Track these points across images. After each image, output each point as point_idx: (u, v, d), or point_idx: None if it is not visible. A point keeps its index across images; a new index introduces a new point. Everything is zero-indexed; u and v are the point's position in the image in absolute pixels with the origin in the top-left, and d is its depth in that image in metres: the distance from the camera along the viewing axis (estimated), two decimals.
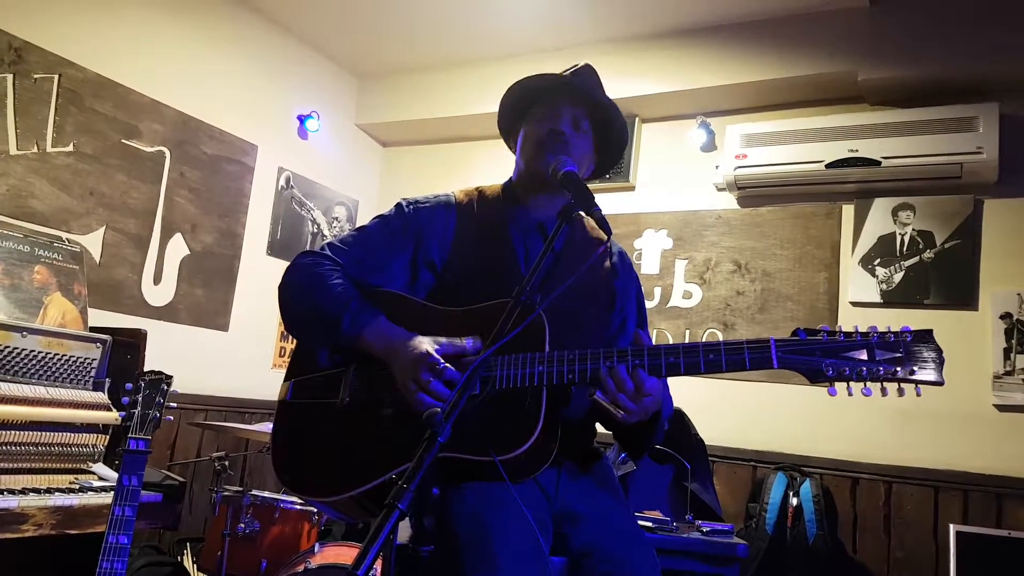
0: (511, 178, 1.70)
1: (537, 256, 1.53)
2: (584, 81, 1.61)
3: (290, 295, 1.56)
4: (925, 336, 1.22)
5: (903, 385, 1.21)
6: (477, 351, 1.38)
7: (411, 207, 1.63)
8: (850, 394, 1.22)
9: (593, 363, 1.32)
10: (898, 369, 1.20)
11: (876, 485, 3.09)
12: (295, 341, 1.65)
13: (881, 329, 1.24)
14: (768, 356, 1.25)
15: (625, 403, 1.32)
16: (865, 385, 1.21)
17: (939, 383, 1.20)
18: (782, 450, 3.24)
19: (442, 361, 1.34)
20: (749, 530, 3.06)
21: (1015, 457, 2.90)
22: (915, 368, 1.20)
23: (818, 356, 1.24)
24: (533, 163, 1.58)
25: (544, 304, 1.30)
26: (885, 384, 1.21)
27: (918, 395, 1.20)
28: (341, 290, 1.49)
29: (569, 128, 1.57)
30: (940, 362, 1.20)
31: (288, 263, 1.61)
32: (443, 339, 1.39)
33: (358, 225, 1.73)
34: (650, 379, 1.31)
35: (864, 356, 1.22)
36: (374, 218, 1.65)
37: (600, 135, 1.64)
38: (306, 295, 1.52)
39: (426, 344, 1.37)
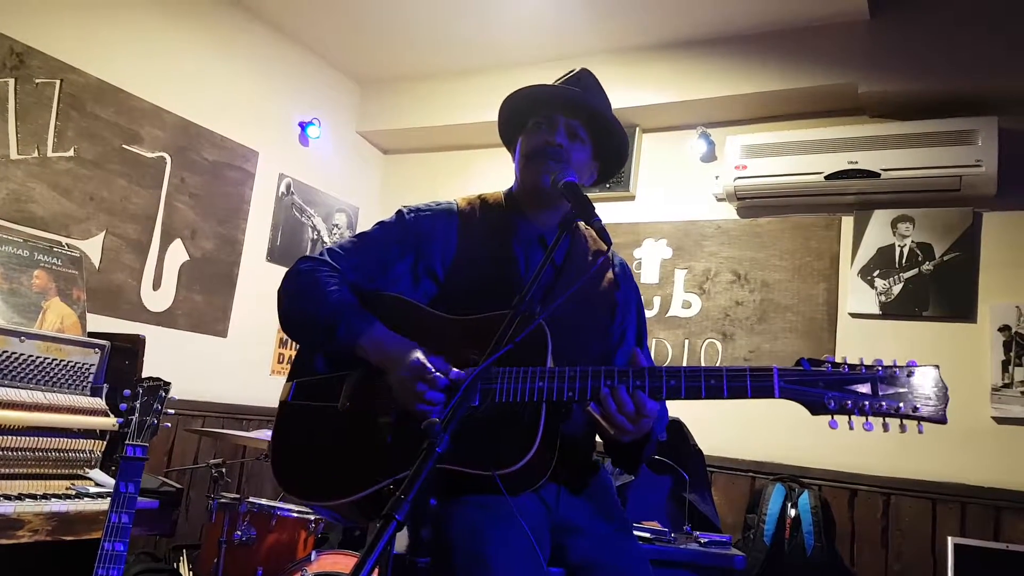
0: (512, 187, 1.70)
1: (536, 266, 1.54)
2: (579, 90, 1.60)
3: (288, 301, 1.56)
4: (930, 372, 1.21)
5: (905, 422, 1.20)
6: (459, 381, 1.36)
7: (412, 215, 1.62)
8: (851, 428, 1.21)
9: (594, 381, 1.31)
10: (901, 405, 1.19)
11: (874, 497, 3.08)
12: (297, 345, 1.65)
13: (887, 362, 1.22)
14: (770, 385, 1.25)
15: (623, 424, 1.31)
16: (867, 420, 1.20)
17: (941, 422, 1.18)
18: (780, 461, 3.24)
19: (435, 371, 1.34)
20: (747, 541, 3.05)
21: (1013, 470, 2.90)
22: (918, 405, 1.19)
23: (820, 388, 1.23)
24: (530, 176, 1.57)
25: (544, 314, 1.30)
26: (887, 419, 1.20)
27: (920, 432, 1.18)
28: (337, 297, 1.49)
29: (565, 140, 1.56)
30: (944, 400, 1.19)
31: (287, 269, 1.61)
32: (435, 357, 1.39)
33: (359, 231, 1.72)
34: (651, 402, 1.30)
35: (867, 390, 1.21)
36: (375, 224, 1.65)
37: (599, 143, 1.64)
38: (303, 301, 1.52)
39: (420, 355, 1.37)
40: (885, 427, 1.19)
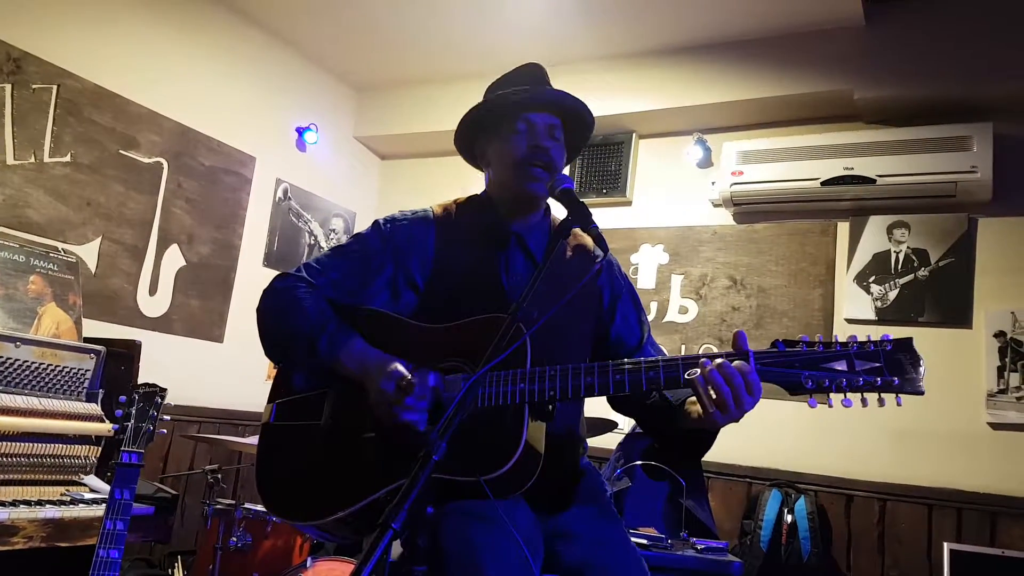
0: (485, 191, 1.71)
1: (517, 268, 1.57)
2: (547, 85, 1.62)
3: (267, 320, 1.55)
4: (905, 345, 1.19)
5: (883, 395, 1.18)
6: (436, 386, 1.37)
7: (388, 226, 1.62)
8: (830, 405, 1.19)
9: (574, 379, 1.30)
10: (878, 379, 1.18)
11: (870, 503, 3.09)
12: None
13: (861, 338, 1.21)
14: None
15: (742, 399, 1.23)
16: (845, 396, 1.19)
17: (918, 392, 1.17)
18: (777, 467, 3.24)
19: (409, 376, 1.34)
20: (744, 547, 3.05)
21: (1009, 476, 2.90)
22: (895, 378, 1.17)
23: (796, 368, 1.21)
24: (518, 182, 1.56)
25: (540, 322, 1.29)
26: (865, 394, 1.18)
27: (899, 404, 1.17)
28: (317, 313, 1.49)
29: (549, 141, 1.57)
30: (920, 371, 1.17)
31: (264, 287, 1.60)
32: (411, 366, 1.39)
33: (336, 244, 1.72)
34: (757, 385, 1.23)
35: (843, 367, 1.20)
36: (351, 237, 1.65)
37: (570, 133, 1.65)
38: (283, 319, 1.51)
39: (398, 365, 1.38)
40: (863, 402, 1.18)
